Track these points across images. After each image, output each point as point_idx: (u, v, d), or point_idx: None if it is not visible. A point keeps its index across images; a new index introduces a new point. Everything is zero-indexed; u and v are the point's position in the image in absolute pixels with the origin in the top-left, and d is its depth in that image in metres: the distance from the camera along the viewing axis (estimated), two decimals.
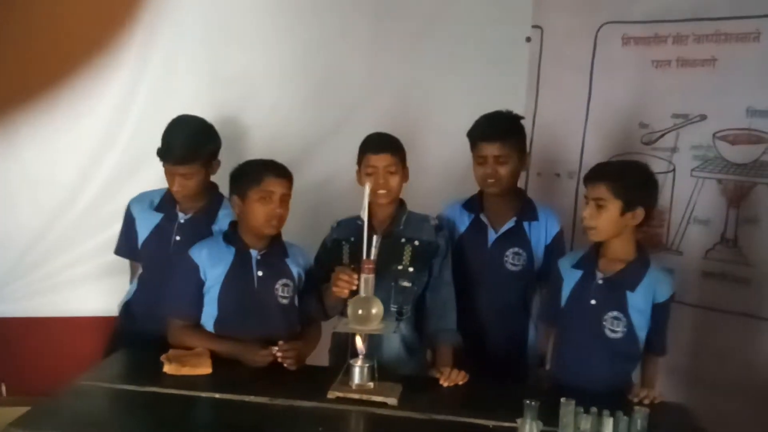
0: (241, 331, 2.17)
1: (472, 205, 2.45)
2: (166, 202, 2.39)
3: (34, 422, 1.75)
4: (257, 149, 2.57)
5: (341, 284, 2.06)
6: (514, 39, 2.90)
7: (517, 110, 2.43)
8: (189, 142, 2.27)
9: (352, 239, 2.27)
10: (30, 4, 2.55)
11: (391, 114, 2.72)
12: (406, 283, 2.25)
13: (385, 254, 2.20)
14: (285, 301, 2.22)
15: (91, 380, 1.98)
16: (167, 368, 2.01)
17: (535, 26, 2.92)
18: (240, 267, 2.20)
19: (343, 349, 2.20)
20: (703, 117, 2.64)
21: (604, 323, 2.08)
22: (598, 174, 2.10)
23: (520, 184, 2.65)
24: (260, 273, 2.21)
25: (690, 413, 1.99)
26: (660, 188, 2.61)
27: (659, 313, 2.09)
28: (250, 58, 2.70)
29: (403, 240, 2.27)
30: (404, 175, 2.28)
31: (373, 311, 1.95)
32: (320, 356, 2.34)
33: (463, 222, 2.45)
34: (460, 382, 2.07)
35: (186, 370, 2.02)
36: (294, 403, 1.90)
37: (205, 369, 2.05)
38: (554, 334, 2.24)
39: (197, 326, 2.22)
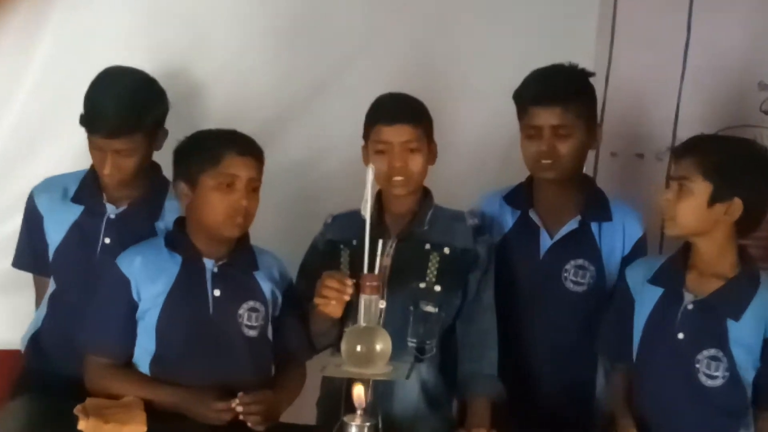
0: (188, 373, 2.17)
1: (518, 197, 2.47)
2: (87, 191, 2.39)
3: None
4: (212, 115, 2.59)
5: (328, 293, 2.06)
6: None
7: (584, 62, 2.44)
8: (128, 104, 2.27)
9: (354, 242, 2.26)
10: None
11: (405, 68, 2.73)
12: (430, 308, 2.27)
13: (402, 265, 2.23)
14: (252, 333, 2.23)
15: None
16: (83, 425, 1.99)
17: None
18: (188, 283, 2.20)
19: (336, 400, 2.20)
20: None
21: (697, 365, 2.08)
22: (687, 146, 2.13)
23: (587, 168, 2.62)
24: (217, 292, 2.21)
25: None
26: None
27: None
28: None
29: (427, 246, 2.28)
30: (430, 154, 2.30)
31: (378, 348, 1.93)
32: (304, 410, 2.35)
33: (505, 221, 2.47)
34: None
35: (110, 429, 2.01)
36: None
37: (137, 426, 2.03)
38: (624, 377, 2.25)
39: (127, 366, 2.22)
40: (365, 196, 2.00)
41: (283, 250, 2.35)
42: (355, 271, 2.12)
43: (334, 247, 2.32)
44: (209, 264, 2.21)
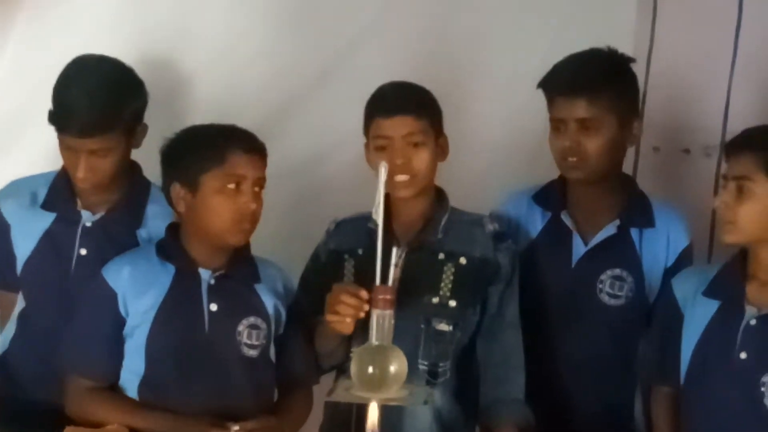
0: (180, 398, 2.22)
1: (549, 197, 2.53)
2: (58, 195, 2.44)
3: None
4: (203, 110, 2.63)
5: (343, 310, 2.10)
6: None
7: (623, 46, 2.51)
8: (102, 99, 2.31)
9: (360, 251, 2.32)
10: None
11: (419, 53, 2.79)
12: (444, 326, 2.31)
13: (413, 278, 2.26)
14: (253, 352, 2.28)
15: None
16: None
17: None
18: (181, 297, 2.25)
19: (342, 427, 2.27)
20: None
21: (762, 389, 2.12)
22: (744, 140, 2.16)
23: (627, 165, 2.66)
24: (214, 307, 2.26)
25: None
26: None
27: None
28: None
29: (441, 256, 2.32)
30: (439, 149, 2.35)
31: (392, 369, 1.98)
32: None
33: (533, 224, 2.53)
34: None
35: None
36: None
37: None
38: (670, 401, 2.30)
39: (112, 390, 2.27)
40: (377, 198, 2.06)
41: (282, 260, 2.41)
42: (361, 284, 2.17)
43: (338, 257, 2.38)
44: (205, 275, 2.27)
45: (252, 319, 2.28)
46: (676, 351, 2.24)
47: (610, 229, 2.45)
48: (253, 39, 2.81)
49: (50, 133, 2.36)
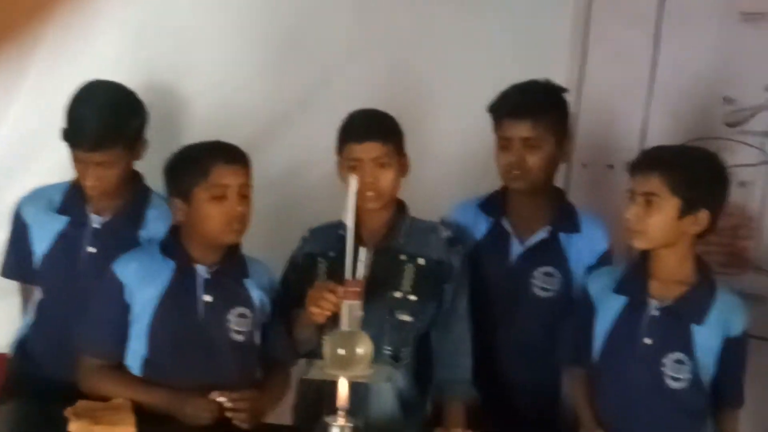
0: (178, 375, 2.27)
1: (492, 205, 2.60)
2: (71, 201, 2.49)
3: None
4: (199, 130, 2.67)
5: (324, 304, 2.16)
6: None
7: (558, 78, 2.61)
8: (107, 118, 2.37)
9: (332, 254, 2.38)
10: None
11: (385, 81, 2.88)
12: (405, 317, 2.36)
13: (378, 276, 2.32)
14: (240, 338, 2.33)
15: None
16: (74, 427, 2.07)
17: None
18: (180, 288, 2.31)
19: (313, 403, 2.34)
20: None
21: (663, 368, 2.21)
22: (651, 161, 2.23)
23: (560, 179, 2.74)
24: (208, 298, 2.31)
25: None
26: (750, 186, 2.63)
27: (735, 350, 2.23)
28: (191, 3, 2.84)
29: (403, 257, 2.38)
30: (402, 168, 2.41)
31: (359, 351, 2.05)
32: (281, 413, 2.44)
33: (478, 229, 2.59)
34: None
35: (99, 430, 2.07)
36: None
37: (126, 428, 2.11)
38: (583, 380, 2.38)
39: (119, 368, 2.33)
40: (347, 205, 2.14)
41: (267, 258, 2.45)
42: (333, 282, 2.22)
43: (313, 259, 2.44)
44: (201, 270, 2.32)
45: (240, 309, 2.33)
46: (589, 338, 2.31)
47: (542, 233, 2.53)
48: (242, 69, 2.88)
49: (64, 149, 2.41)
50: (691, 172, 2.17)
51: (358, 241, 2.23)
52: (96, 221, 2.46)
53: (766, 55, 2.81)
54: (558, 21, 3.03)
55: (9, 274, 2.58)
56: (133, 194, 2.49)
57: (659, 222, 2.17)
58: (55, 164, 2.55)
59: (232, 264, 2.34)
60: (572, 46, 3.05)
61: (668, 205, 2.16)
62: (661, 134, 2.92)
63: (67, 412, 2.11)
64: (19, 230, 2.51)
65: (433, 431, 2.30)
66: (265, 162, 2.49)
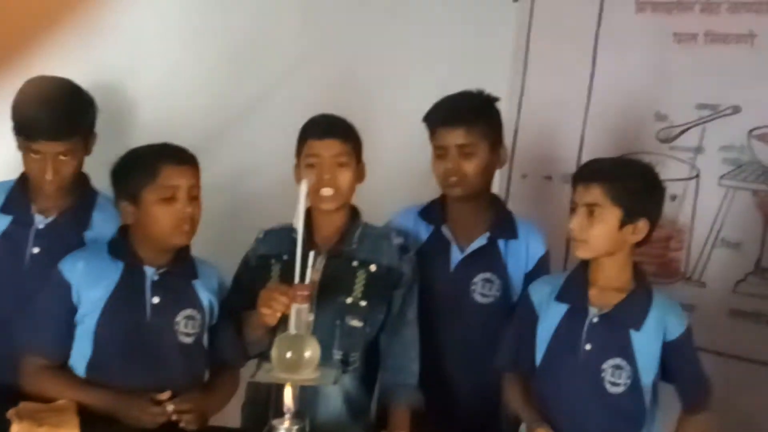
0: (123, 377, 2.24)
1: (432, 213, 2.61)
2: (15, 201, 2.44)
3: None
4: (147, 133, 2.59)
5: (275, 305, 2.14)
6: None
7: (500, 91, 2.63)
8: (65, 106, 2.33)
9: (285, 257, 2.37)
10: None
11: (332, 89, 2.89)
12: (356, 322, 2.36)
13: (330, 281, 2.32)
14: (188, 339, 2.31)
15: None
16: (17, 428, 2.03)
17: None
18: (128, 290, 2.28)
19: (261, 405, 2.30)
20: (737, 109, 2.86)
21: (602, 374, 2.23)
22: (593, 172, 2.26)
23: (500, 189, 2.73)
24: (156, 299, 2.29)
25: None
26: (680, 199, 2.67)
27: (678, 353, 2.25)
28: (139, 4, 2.80)
29: (355, 263, 2.38)
30: (359, 173, 2.42)
31: (307, 354, 2.02)
32: (230, 414, 2.42)
33: (419, 236, 2.59)
34: None
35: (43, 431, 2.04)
36: None
37: (70, 430, 2.07)
38: (521, 386, 2.37)
39: (63, 369, 2.29)
40: (298, 209, 2.11)
41: (217, 260, 2.44)
42: (285, 285, 2.19)
43: (266, 261, 2.42)
44: (150, 272, 2.30)
45: (189, 311, 2.31)
46: (530, 345, 2.33)
47: (481, 240, 2.55)
48: (194, 71, 2.87)
49: (6, 148, 2.37)
50: (631, 182, 2.21)
51: (311, 245, 2.23)
52: (40, 221, 2.41)
53: (697, 74, 2.89)
54: (500, 36, 3.12)
55: None
56: (79, 195, 2.45)
57: (601, 231, 2.19)
58: None
59: (181, 266, 2.32)
60: (513, 61, 3.12)
61: (610, 215, 2.19)
62: (597, 148, 2.99)
63: (10, 413, 2.07)
64: None
65: None
66: (214, 165, 2.47)
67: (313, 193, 2.29)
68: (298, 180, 2.33)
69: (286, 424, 1.96)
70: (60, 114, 2.30)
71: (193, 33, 2.83)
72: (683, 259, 2.90)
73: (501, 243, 2.53)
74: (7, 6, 2.66)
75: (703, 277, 2.88)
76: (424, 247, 2.54)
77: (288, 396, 1.98)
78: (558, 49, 3.07)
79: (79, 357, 2.25)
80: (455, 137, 2.45)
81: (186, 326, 2.28)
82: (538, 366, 2.31)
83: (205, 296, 2.33)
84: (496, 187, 2.87)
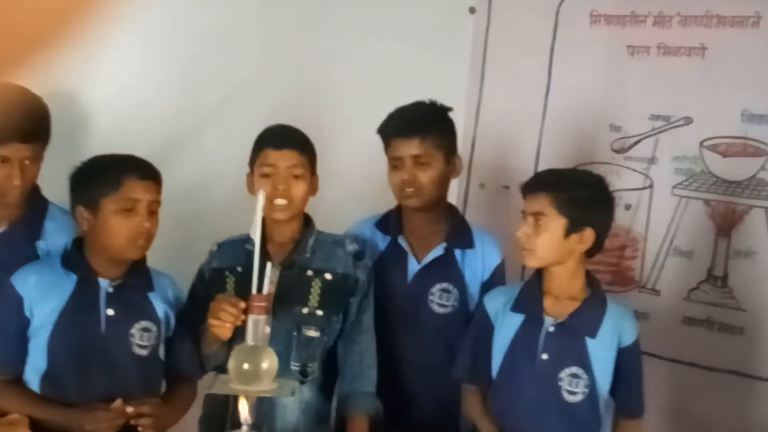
0: (78, 390, 2.22)
1: (388, 223, 2.61)
2: None
3: None
4: (101, 143, 2.58)
5: (224, 316, 2.12)
6: (454, 9, 3.10)
7: (456, 102, 2.64)
8: (32, 110, 2.33)
9: (239, 269, 2.36)
10: None
11: (292, 102, 2.86)
12: (312, 332, 2.34)
13: (286, 292, 2.30)
14: (144, 352, 2.29)
15: None
16: None
17: None
18: (82, 302, 2.26)
19: (219, 418, 2.25)
20: (689, 120, 2.88)
21: (560, 383, 2.23)
22: (540, 182, 2.29)
23: (458, 199, 2.72)
24: (110, 311, 2.27)
25: None
26: (635, 209, 2.68)
27: (629, 359, 2.27)
28: (96, 13, 2.76)
29: (309, 272, 2.37)
30: (312, 185, 2.41)
31: (264, 366, 2.00)
32: (187, 427, 2.40)
33: (376, 247, 2.57)
34: None
35: None
36: None
37: None
38: (478, 396, 2.37)
39: (17, 383, 2.26)
40: (255, 220, 2.09)
41: (172, 271, 2.42)
42: (240, 297, 2.18)
43: (220, 274, 2.41)
44: (104, 284, 2.29)
45: (144, 323, 2.29)
46: (487, 356, 2.34)
47: (438, 250, 2.55)
48: (151, 80, 2.85)
49: None
50: (576, 192, 2.23)
51: (265, 255, 2.21)
52: None
53: (650, 86, 2.91)
54: (457, 47, 3.11)
55: None
56: (31, 205, 2.42)
57: (547, 240, 2.21)
58: None
59: (137, 277, 2.31)
60: (471, 71, 3.12)
61: (555, 224, 2.20)
62: (553, 158, 3.01)
63: None
64: None
65: None
66: (171, 175, 2.43)
67: (267, 202, 2.25)
68: (251, 189, 2.35)
69: None
70: (28, 117, 2.29)
71: (150, 42, 2.81)
72: (638, 268, 2.92)
73: (458, 253, 2.53)
74: None
75: (657, 286, 2.89)
76: (381, 258, 2.54)
77: (243, 408, 1.95)
78: (514, 60, 3.09)
79: (33, 370, 2.23)
80: (410, 148, 2.45)
81: (141, 338, 2.26)
82: (496, 376, 2.31)
83: (161, 308, 2.32)
84: (454, 196, 2.90)
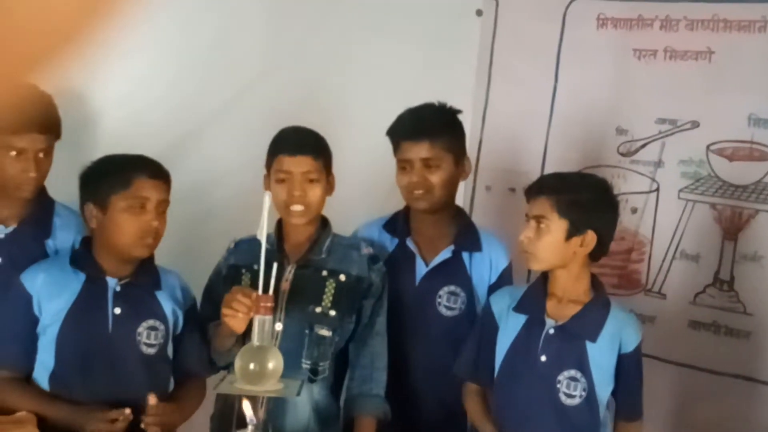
0: (85, 389, 2.23)
1: (396, 225, 2.61)
2: None
3: None
4: (108, 144, 2.61)
5: (237, 305, 2.10)
6: (461, 11, 3.10)
7: (463, 104, 2.66)
8: (41, 103, 2.28)
9: (255, 267, 2.31)
10: None
11: (297, 100, 2.88)
12: (325, 332, 2.34)
13: (300, 290, 2.32)
14: (151, 351, 2.30)
15: None
16: None
17: None
18: (89, 301, 2.27)
19: (229, 416, 2.26)
20: (695, 124, 2.87)
21: (558, 386, 2.24)
22: (542, 186, 2.29)
23: (464, 201, 2.73)
24: (118, 310, 2.28)
25: None
26: (641, 212, 2.67)
27: (630, 365, 2.27)
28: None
29: (324, 273, 2.37)
30: (328, 186, 2.41)
31: (270, 366, 2.01)
32: (198, 426, 2.40)
33: (384, 248, 2.57)
34: None
35: None
36: None
37: None
38: (480, 395, 2.38)
39: (26, 381, 2.27)
40: (261, 221, 2.10)
41: (180, 269, 2.42)
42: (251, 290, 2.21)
43: (237, 271, 2.41)
44: (112, 282, 2.29)
45: (151, 322, 2.30)
46: (491, 356, 2.34)
47: (446, 253, 2.55)
48: (158, 82, 2.83)
49: None
50: (577, 195, 2.23)
51: (282, 255, 2.23)
52: (1, 231, 2.37)
53: (657, 89, 2.93)
54: (464, 49, 3.12)
55: None
56: (38, 203, 2.42)
57: (548, 243, 2.21)
58: None
59: (144, 276, 2.31)
60: (477, 74, 3.13)
61: (556, 227, 2.20)
62: (559, 161, 3.02)
63: None
64: None
65: None
66: (178, 175, 2.43)
67: (284, 208, 2.29)
68: (267, 189, 2.33)
69: None
70: (43, 110, 2.28)
71: (157, 44, 2.78)
72: (644, 271, 2.92)
73: (465, 255, 2.53)
74: None
75: (663, 289, 2.90)
76: (389, 260, 2.53)
77: (248, 408, 1.95)
78: (521, 63, 3.10)
79: (42, 369, 2.24)
80: (419, 151, 2.45)
81: (149, 337, 2.27)
82: (496, 376, 2.32)
83: (169, 306, 2.32)
84: (460, 199, 2.90)
